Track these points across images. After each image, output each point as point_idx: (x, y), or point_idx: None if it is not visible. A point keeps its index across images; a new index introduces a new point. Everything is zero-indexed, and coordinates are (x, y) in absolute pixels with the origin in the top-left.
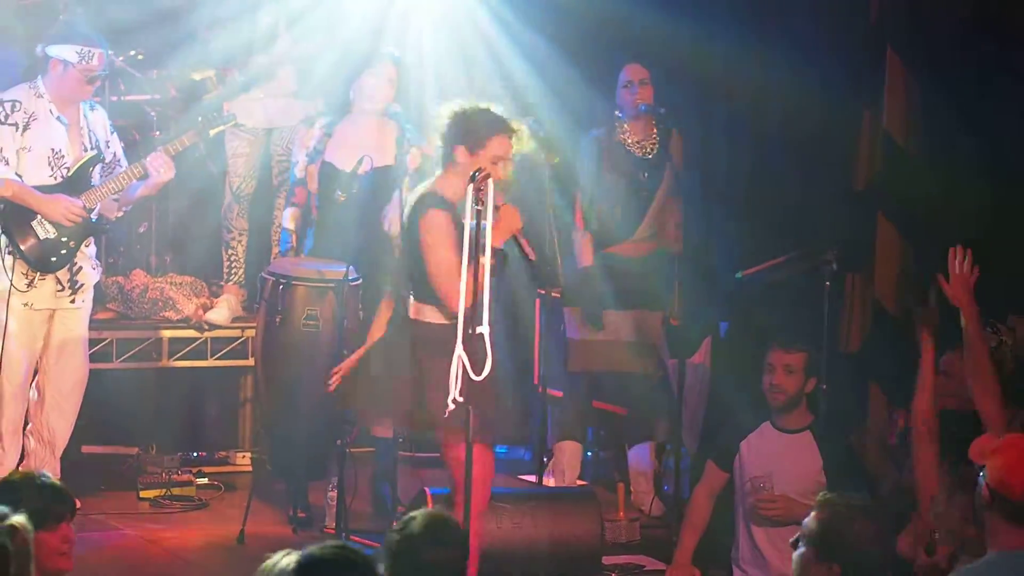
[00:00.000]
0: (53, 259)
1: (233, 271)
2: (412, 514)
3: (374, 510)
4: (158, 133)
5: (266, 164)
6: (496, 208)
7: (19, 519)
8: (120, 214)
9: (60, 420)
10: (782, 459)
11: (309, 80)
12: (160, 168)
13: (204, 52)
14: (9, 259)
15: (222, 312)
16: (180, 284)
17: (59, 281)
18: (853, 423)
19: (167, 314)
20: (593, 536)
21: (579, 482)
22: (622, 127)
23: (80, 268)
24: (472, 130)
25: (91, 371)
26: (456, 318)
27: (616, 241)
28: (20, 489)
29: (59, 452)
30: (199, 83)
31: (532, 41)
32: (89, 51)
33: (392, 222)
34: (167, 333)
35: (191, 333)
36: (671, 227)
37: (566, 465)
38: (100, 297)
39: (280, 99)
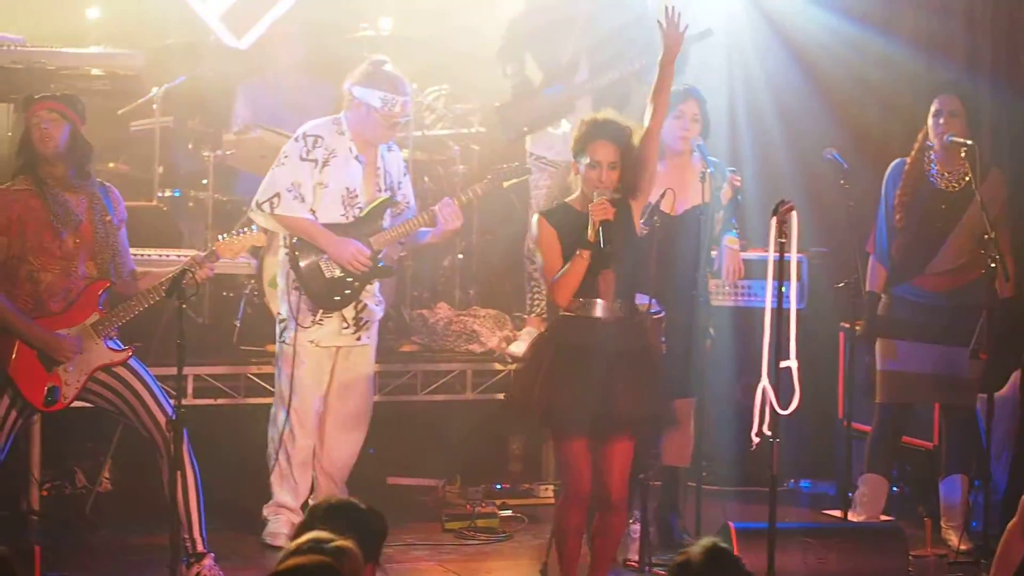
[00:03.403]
0: (337, 298)
1: (536, 303)
2: (694, 546)
3: (660, 540)
4: (462, 167)
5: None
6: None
7: (348, 543)
8: (403, 254)
9: (341, 453)
10: None
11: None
12: (449, 217)
13: (506, 86)
14: (295, 295)
15: (525, 345)
16: (484, 317)
17: (344, 318)
18: None
19: (471, 347)
20: (900, 572)
21: (884, 517)
22: (928, 157)
23: (365, 306)
24: (577, 140)
25: (396, 403)
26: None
27: (909, 271)
28: (347, 515)
29: (342, 482)
30: (501, 116)
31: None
32: (393, 98)
33: (729, 273)
34: (471, 366)
35: (495, 366)
36: (983, 265)
37: (871, 499)
38: (405, 330)
39: None
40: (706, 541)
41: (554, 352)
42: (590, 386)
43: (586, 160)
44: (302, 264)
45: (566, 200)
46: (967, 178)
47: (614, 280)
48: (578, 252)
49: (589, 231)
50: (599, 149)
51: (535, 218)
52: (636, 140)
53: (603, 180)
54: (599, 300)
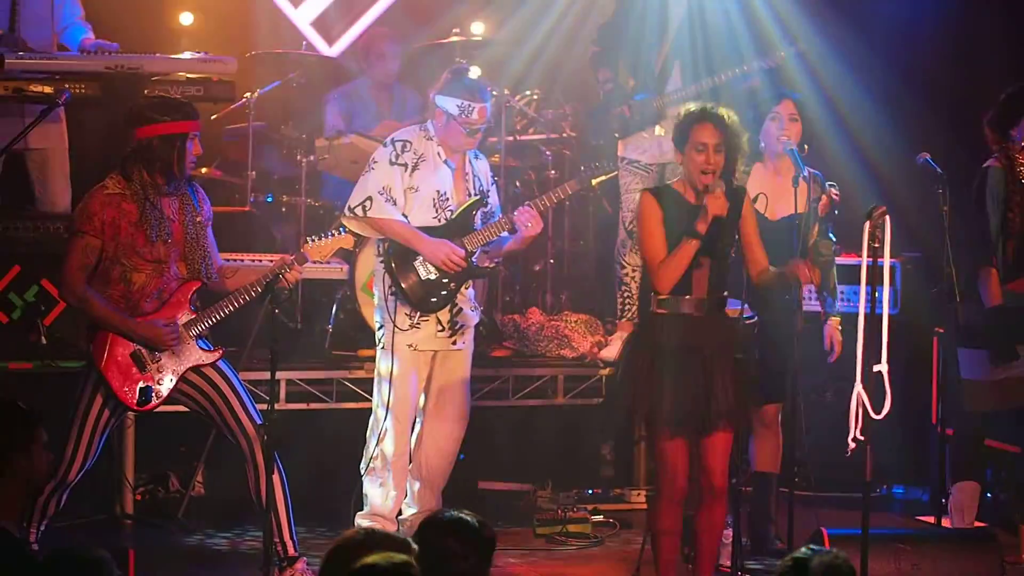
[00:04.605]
0: (433, 299)
1: (627, 308)
2: (810, 552)
3: (752, 546)
4: (554, 172)
5: None
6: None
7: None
8: (491, 265)
9: (439, 459)
10: None
11: None
12: (528, 223)
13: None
14: (392, 300)
15: (617, 349)
16: (575, 322)
17: (440, 322)
18: None
19: (563, 352)
20: None
21: (978, 524)
22: (1012, 154)
23: (460, 310)
24: (679, 129)
25: (487, 408)
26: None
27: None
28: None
29: (438, 490)
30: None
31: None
32: (469, 106)
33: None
34: (563, 371)
35: (586, 371)
36: None
37: (964, 505)
38: (497, 335)
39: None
40: (827, 556)
41: (651, 353)
42: (689, 384)
43: (690, 144)
44: (397, 268)
45: (670, 182)
46: None
47: (707, 276)
48: (687, 240)
49: (700, 223)
50: (703, 131)
51: (641, 194)
52: (736, 133)
53: (711, 162)
54: (691, 296)
